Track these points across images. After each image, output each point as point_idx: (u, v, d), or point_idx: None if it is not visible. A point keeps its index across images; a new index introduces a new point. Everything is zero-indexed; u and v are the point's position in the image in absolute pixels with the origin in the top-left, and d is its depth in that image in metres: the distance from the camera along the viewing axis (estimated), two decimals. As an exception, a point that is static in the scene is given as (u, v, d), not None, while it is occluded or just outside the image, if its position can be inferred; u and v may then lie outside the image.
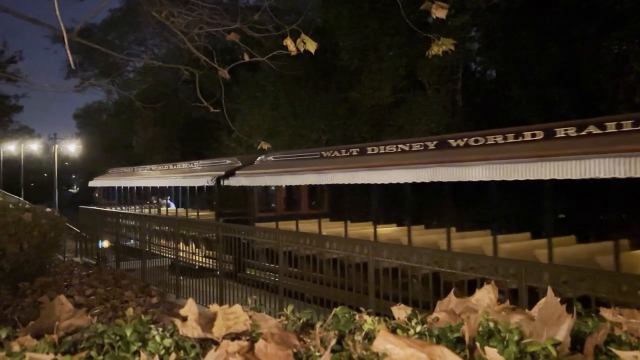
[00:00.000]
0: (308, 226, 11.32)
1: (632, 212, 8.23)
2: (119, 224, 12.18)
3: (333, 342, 1.23)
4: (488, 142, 7.83)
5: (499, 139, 7.71)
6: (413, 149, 9.01)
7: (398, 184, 8.80)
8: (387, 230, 10.80)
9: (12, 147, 41.67)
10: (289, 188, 13.59)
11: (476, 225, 10.56)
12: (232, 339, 1.26)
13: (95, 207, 18.33)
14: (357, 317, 1.43)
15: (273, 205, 13.60)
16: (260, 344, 1.19)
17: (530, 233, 9.42)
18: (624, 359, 1.14)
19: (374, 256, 5.93)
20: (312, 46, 4.41)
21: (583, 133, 6.74)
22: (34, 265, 8.23)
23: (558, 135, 6.99)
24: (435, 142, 8.83)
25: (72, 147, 39.30)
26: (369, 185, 9.35)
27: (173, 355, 1.21)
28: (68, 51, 4.18)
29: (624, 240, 7.58)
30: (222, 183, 13.09)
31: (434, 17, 3.71)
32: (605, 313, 1.47)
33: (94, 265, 11.18)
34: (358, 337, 1.26)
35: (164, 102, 21.19)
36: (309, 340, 1.31)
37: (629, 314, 1.46)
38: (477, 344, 1.16)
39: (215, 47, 6.81)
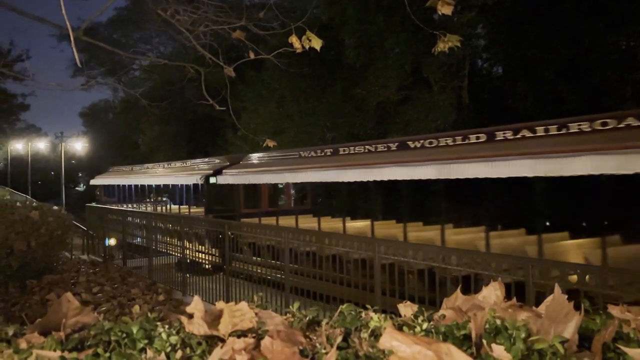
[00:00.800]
0: (290, 221, 11.93)
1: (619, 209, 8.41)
2: (125, 221, 12.23)
3: (339, 339, 1.23)
4: (440, 144, 8.80)
5: (449, 140, 8.67)
6: (378, 150, 9.92)
7: (377, 181, 9.56)
8: (359, 225, 11.78)
9: (19, 146, 41.96)
10: (274, 185, 14.44)
11: (434, 220, 11.09)
12: (238, 336, 1.26)
13: (96, 205, 19.57)
14: (363, 314, 1.42)
15: (258, 201, 14.25)
16: (266, 341, 1.19)
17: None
18: (632, 356, 1.13)
19: (379, 253, 5.93)
20: (317, 43, 4.40)
21: (518, 136, 7.68)
22: (41, 263, 8.28)
23: (497, 139, 7.96)
24: (396, 144, 9.79)
25: (79, 146, 39.52)
26: (349, 183, 10.22)
27: (179, 353, 1.22)
28: (74, 50, 4.19)
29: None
30: (210, 181, 14.05)
31: (440, 13, 3.69)
32: (613, 310, 1.46)
33: (101, 262, 11.23)
34: (364, 335, 1.25)
35: (170, 100, 21.39)
36: (315, 338, 1.31)
37: (637, 311, 1.45)
38: (484, 342, 1.16)
39: (220, 44, 6.81)
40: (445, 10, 3.63)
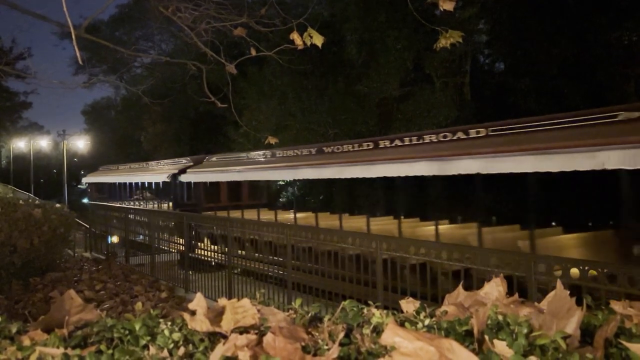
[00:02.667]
0: (246, 214, 14.25)
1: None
2: (127, 219, 12.26)
3: (341, 335, 1.23)
4: (361, 148, 10.37)
5: (368, 145, 10.25)
6: (303, 154, 11.95)
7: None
8: (301, 215, 13.74)
9: (21, 144, 42.02)
10: (234, 183, 16.05)
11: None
12: (241, 333, 1.26)
13: (94, 202, 22.54)
14: (365, 310, 1.42)
15: (217, 197, 16.20)
16: (268, 338, 1.19)
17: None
18: (635, 351, 1.13)
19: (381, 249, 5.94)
20: (319, 40, 4.39)
21: (419, 142, 9.14)
22: (44, 261, 8.30)
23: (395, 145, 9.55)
24: (315, 149, 11.72)
25: (81, 143, 39.53)
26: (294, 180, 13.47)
27: (182, 349, 1.22)
28: (76, 47, 4.19)
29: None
30: (176, 179, 16.26)
31: (442, 9, 3.68)
32: (616, 305, 1.46)
33: (104, 260, 11.25)
34: (366, 331, 1.25)
35: (172, 98, 21.63)
36: (317, 334, 1.31)
37: (640, 306, 1.44)
38: (486, 337, 1.16)
39: (222, 42, 6.81)
40: (447, 6, 3.63)
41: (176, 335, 1.27)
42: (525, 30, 15.43)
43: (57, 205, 10.00)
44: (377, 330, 1.25)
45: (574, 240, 8.08)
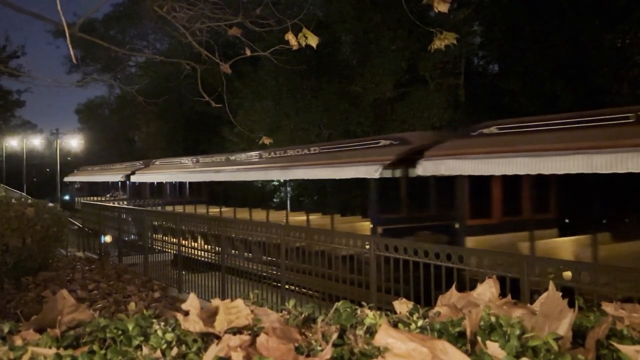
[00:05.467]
0: (188, 208, 16.67)
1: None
2: (120, 218, 12.22)
3: (334, 336, 1.23)
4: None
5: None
6: (217, 160, 15.28)
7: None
8: (226, 209, 16.41)
9: (14, 142, 41.75)
10: (178, 182, 19.47)
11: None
12: (234, 333, 1.26)
13: (67, 198, 29.46)
14: (358, 311, 1.43)
15: (161, 194, 20.44)
16: (262, 338, 1.20)
17: None
18: (625, 353, 1.14)
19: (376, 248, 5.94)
20: (313, 40, 4.39)
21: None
22: (36, 260, 8.25)
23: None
24: (232, 157, 14.80)
25: (75, 142, 39.34)
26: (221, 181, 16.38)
27: (175, 350, 1.22)
28: (70, 46, 4.18)
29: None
30: (129, 179, 19.90)
31: (436, 10, 3.69)
32: (607, 307, 1.47)
33: (97, 259, 11.20)
34: (360, 332, 1.26)
35: (166, 97, 21.70)
36: (310, 335, 1.31)
37: (631, 308, 1.45)
38: (479, 339, 1.16)
39: (217, 41, 6.80)
40: (442, 7, 3.63)
41: (169, 336, 1.26)
42: (519, 32, 15.49)
43: (50, 204, 9.94)
44: (371, 331, 1.26)
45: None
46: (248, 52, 5.57)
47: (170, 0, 5.52)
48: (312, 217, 13.09)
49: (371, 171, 9.15)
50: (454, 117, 16.51)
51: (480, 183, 8.45)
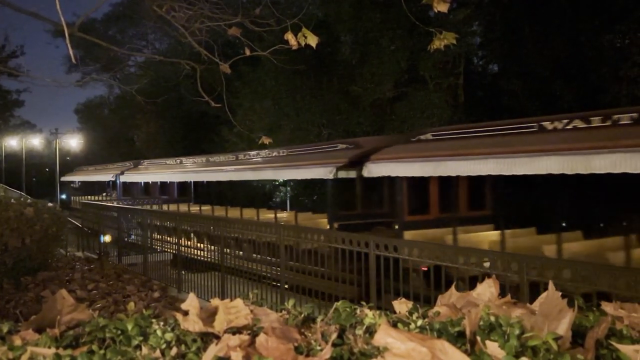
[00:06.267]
0: (172, 207, 17.17)
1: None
2: (119, 218, 12.23)
3: (334, 336, 1.23)
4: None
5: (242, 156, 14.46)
6: (215, 161, 15.71)
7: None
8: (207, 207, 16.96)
9: (14, 142, 41.71)
10: (166, 182, 20.57)
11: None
12: (234, 333, 1.26)
13: (64, 197, 30.98)
14: (358, 311, 1.43)
15: (150, 192, 21.87)
16: (261, 338, 1.19)
17: None
18: (625, 352, 1.14)
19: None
20: (313, 40, 4.39)
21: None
22: (36, 260, 8.24)
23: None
24: (212, 159, 15.99)
25: (74, 142, 39.30)
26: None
27: (174, 350, 1.22)
28: (69, 46, 4.17)
29: None
30: (118, 179, 21.71)
31: (436, 10, 3.69)
32: (607, 307, 1.47)
33: (96, 259, 11.20)
34: (359, 331, 1.26)
35: (166, 97, 21.96)
36: (310, 335, 1.31)
37: (630, 308, 1.45)
38: (478, 338, 1.16)
39: (216, 41, 6.80)
40: (441, 7, 3.63)
41: (169, 336, 1.26)
42: (519, 32, 15.48)
43: (50, 204, 9.93)
44: (370, 331, 1.26)
45: None
46: (247, 52, 5.57)
47: (169, 0, 5.52)
48: (280, 214, 14.27)
49: (326, 172, 10.13)
50: (454, 117, 16.51)
51: (418, 183, 9.45)
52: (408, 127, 16.59)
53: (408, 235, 8.84)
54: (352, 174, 10.61)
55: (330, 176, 10.11)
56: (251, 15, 5.77)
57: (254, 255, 8.50)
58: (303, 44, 4.42)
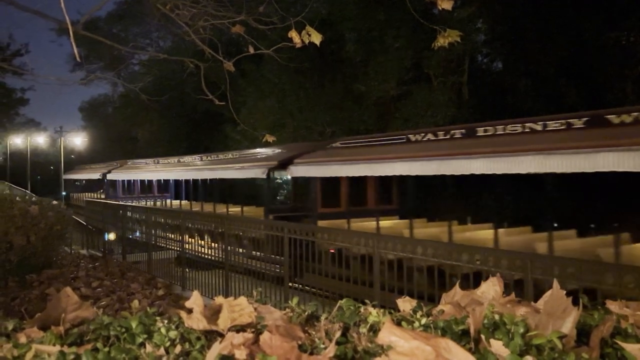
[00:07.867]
0: (150, 203, 19.29)
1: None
2: (124, 216, 12.25)
3: (338, 334, 1.23)
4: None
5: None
6: (184, 162, 17.34)
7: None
8: (185, 202, 19.28)
9: (18, 140, 41.85)
10: (148, 180, 22.66)
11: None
12: (237, 331, 1.26)
13: (64, 194, 32.21)
14: (362, 309, 1.43)
15: (132, 190, 23.64)
16: (265, 336, 1.19)
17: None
18: (630, 351, 1.13)
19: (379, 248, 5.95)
20: (317, 38, 4.38)
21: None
22: (40, 258, 8.27)
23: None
24: (182, 159, 17.79)
25: (78, 140, 39.43)
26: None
27: (178, 347, 1.22)
28: (73, 44, 4.18)
29: None
30: (105, 177, 22.99)
31: (440, 8, 3.68)
32: (612, 306, 1.46)
33: (100, 257, 11.23)
34: (363, 330, 1.26)
35: (169, 95, 22.07)
36: (314, 333, 1.31)
37: (635, 306, 1.45)
38: (483, 337, 1.16)
39: (220, 39, 6.80)
40: (446, 5, 3.62)
41: (173, 334, 1.26)
42: (523, 29, 15.43)
43: (54, 202, 9.96)
44: (374, 329, 1.25)
45: None
46: (251, 50, 5.56)
47: (173, -2, 5.52)
48: (231, 208, 15.61)
49: (259, 173, 12.03)
50: (458, 115, 16.47)
51: (331, 182, 11.47)
52: (412, 125, 16.56)
53: (321, 224, 10.11)
54: (280, 174, 12.77)
55: (263, 176, 11.94)
56: (255, 13, 5.77)
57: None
58: (307, 42, 4.42)
